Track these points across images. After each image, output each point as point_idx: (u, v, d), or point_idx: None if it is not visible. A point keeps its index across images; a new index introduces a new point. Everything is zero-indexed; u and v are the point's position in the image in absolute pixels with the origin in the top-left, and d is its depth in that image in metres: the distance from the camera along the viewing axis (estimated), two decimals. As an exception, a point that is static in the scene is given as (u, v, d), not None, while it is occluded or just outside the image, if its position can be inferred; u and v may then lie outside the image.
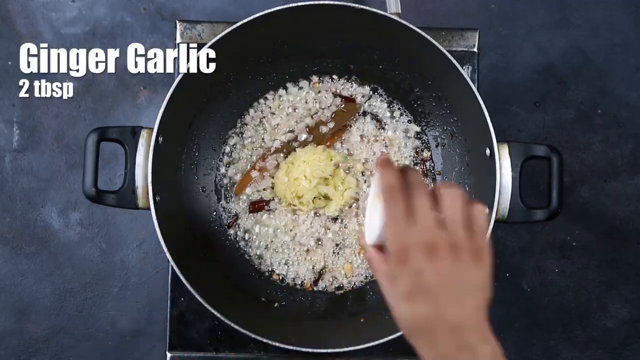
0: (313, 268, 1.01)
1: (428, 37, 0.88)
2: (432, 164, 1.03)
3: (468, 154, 0.99)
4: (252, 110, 1.03)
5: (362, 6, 0.88)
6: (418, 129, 1.03)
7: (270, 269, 1.01)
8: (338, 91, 1.04)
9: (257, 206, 1.01)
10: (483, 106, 0.87)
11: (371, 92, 1.04)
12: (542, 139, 1.26)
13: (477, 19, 1.29)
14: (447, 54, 0.88)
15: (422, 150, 1.03)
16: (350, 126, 1.03)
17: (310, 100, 1.03)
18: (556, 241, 1.25)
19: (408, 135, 1.04)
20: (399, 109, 1.04)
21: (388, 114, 1.04)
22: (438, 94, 1.00)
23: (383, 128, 1.03)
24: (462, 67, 0.89)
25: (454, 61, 0.88)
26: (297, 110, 1.03)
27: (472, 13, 1.29)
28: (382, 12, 0.89)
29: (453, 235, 0.61)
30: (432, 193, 0.63)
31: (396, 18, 0.90)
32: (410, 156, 1.03)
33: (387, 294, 0.64)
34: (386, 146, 1.03)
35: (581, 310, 1.24)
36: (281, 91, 1.04)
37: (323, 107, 1.03)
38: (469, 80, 0.87)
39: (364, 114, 1.04)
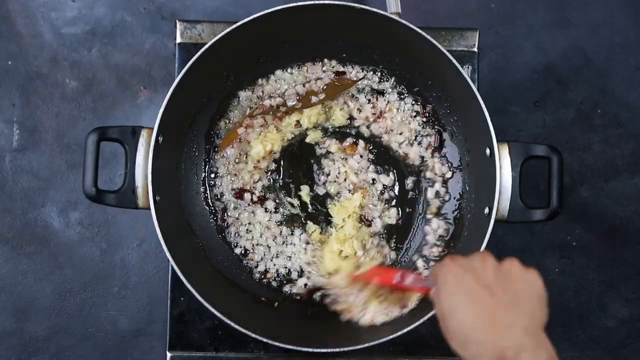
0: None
1: (428, 37, 0.88)
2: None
3: (468, 154, 0.99)
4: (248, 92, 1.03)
5: (362, 6, 0.88)
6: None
7: (267, 270, 1.01)
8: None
9: (240, 193, 1.01)
10: (483, 106, 0.87)
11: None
12: (542, 138, 1.26)
13: (477, 19, 1.29)
14: (447, 53, 0.88)
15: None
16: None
17: (302, 77, 1.03)
18: (556, 241, 1.25)
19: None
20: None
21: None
22: (438, 94, 1.00)
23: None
24: (462, 67, 0.89)
25: (454, 61, 0.88)
26: (292, 75, 1.03)
27: (472, 13, 1.29)
28: (382, 12, 0.89)
29: (507, 272, 0.71)
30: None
31: (396, 18, 0.90)
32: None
33: (443, 303, 0.69)
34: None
35: (581, 310, 1.24)
36: (278, 72, 1.03)
37: (317, 78, 1.02)
38: (469, 80, 0.87)
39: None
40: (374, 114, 1.02)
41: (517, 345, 0.62)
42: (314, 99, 1.00)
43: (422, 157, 1.01)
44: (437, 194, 1.01)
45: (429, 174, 1.01)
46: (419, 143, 1.02)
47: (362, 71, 1.02)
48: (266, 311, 0.98)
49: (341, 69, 1.03)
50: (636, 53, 1.29)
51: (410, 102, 1.02)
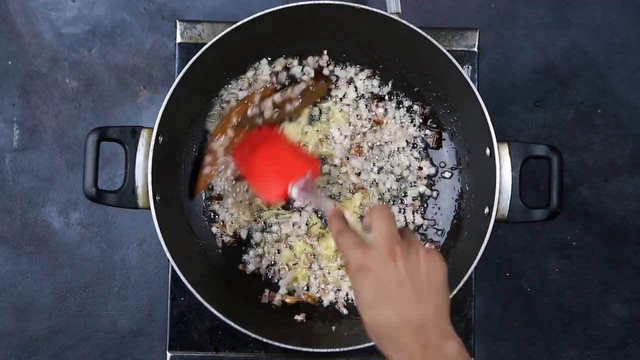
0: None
1: (428, 36, 0.88)
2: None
3: (468, 154, 0.99)
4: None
5: (362, 6, 0.88)
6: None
7: (266, 271, 1.01)
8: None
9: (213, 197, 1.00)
10: (483, 106, 0.87)
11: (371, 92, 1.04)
12: (542, 138, 1.26)
13: (477, 19, 1.29)
14: (447, 53, 0.88)
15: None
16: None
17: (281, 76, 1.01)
18: (556, 241, 1.25)
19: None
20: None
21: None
22: (438, 94, 1.00)
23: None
24: (462, 67, 0.89)
25: (454, 61, 0.88)
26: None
27: (472, 13, 1.29)
28: (382, 12, 0.89)
29: (408, 242, 0.68)
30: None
31: (396, 18, 0.90)
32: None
33: (358, 306, 0.68)
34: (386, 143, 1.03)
35: (581, 309, 1.24)
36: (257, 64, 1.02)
37: (297, 78, 1.01)
38: (469, 80, 0.87)
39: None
40: (373, 120, 1.02)
41: (426, 343, 0.63)
42: (289, 106, 0.99)
43: (419, 159, 1.01)
44: (424, 195, 1.01)
45: (424, 173, 1.01)
46: (414, 146, 1.02)
47: (362, 72, 1.02)
48: (266, 311, 0.98)
49: (327, 70, 1.02)
50: (636, 53, 1.29)
51: (409, 104, 1.02)
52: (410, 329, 0.64)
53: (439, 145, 1.01)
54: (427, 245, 0.68)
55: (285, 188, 0.83)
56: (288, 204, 0.99)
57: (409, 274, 0.65)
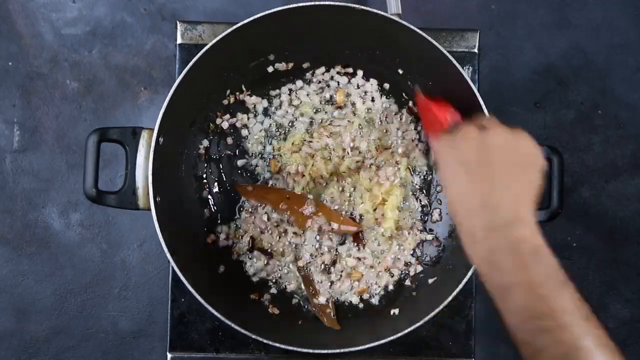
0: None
1: (429, 37, 0.88)
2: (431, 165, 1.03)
3: (468, 155, 0.99)
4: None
5: (362, 7, 0.89)
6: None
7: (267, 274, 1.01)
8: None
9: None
10: (483, 106, 0.87)
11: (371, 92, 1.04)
12: (543, 139, 1.26)
13: (478, 20, 1.29)
14: (448, 54, 0.88)
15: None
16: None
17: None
18: (557, 242, 1.25)
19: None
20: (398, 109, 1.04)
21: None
22: (438, 95, 1.00)
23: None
24: (463, 68, 0.89)
25: (455, 62, 0.88)
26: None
27: (473, 13, 1.29)
28: (382, 13, 0.89)
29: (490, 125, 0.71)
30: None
31: (397, 19, 0.90)
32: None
33: (444, 171, 0.69)
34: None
35: (582, 310, 1.24)
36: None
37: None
38: (469, 80, 0.88)
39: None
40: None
41: (491, 225, 0.62)
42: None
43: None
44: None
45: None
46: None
47: (364, 77, 1.02)
48: (267, 312, 0.98)
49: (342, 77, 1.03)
50: (636, 53, 1.29)
51: (410, 105, 1.02)
52: (469, 212, 0.63)
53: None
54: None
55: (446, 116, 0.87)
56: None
57: (479, 154, 0.65)
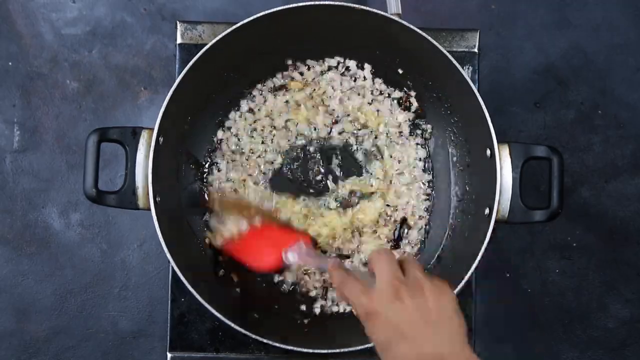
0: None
1: (429, 37, 0.88)
2: (431, 164, 1.03)
3: (469, 155, 0.99)
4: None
5: (362, 7, 0.89)
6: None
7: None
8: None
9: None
10: (483, 107, 0.87)
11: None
12: (543, 139, 1.26)
13: (478, 19, 1.29)
14: (448, 54, 0.88)
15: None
16: None
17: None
18: (557, 242, 1.25)
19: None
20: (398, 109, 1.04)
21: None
22: (438, 95, 1.00)
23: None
24: (463, 68, 0.89)
25: (455, 62, 0.88)
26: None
27: (473, 13, 1.29)
28: (382, 13, 0.89)
29: (413, 279, 0.69)
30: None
31: (397, 19, 0.90)
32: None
33: (376, 350, 0.69)
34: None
35: (582, 310, 1.24)
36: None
37: None
38: (469, 80, 0.88)
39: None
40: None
41: None
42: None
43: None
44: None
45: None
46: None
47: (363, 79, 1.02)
48: (267, 312, 0.98)
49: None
50: (636, 54, 1.29)
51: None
52: None
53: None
54: (431, 275, 0.70)
55: (279, 256, 0.84)
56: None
57: (417, 310, 0.66)
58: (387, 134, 1.02)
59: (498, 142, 0.87)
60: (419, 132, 1.03)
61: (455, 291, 0.87)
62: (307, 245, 0.84)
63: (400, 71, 1.01)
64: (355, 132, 1.02)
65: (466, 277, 0.86)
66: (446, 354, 0.65)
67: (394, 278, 0.68)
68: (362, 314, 0.69)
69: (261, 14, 0.88)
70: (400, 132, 1.03)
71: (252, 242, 0.90)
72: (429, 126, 1.02)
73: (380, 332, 0.67)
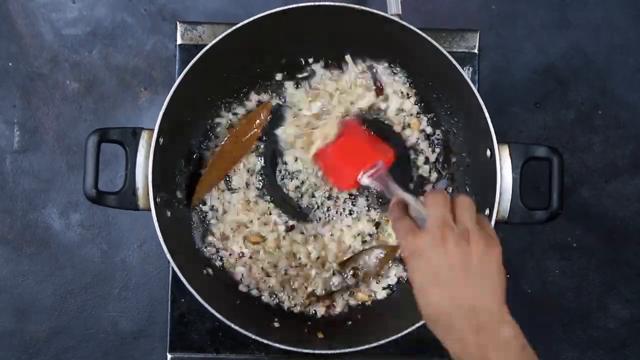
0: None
1: (429, 38, 0.88)
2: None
3: (468, 155, 0.99)
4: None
5: (362, 7, 0.88)
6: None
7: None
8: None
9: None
10: (483, 107, 0.87)
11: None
12: (543, 139, 1.26)
13: (478, 20, 1.29)
14: (448, 55, 0.88)
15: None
16: None
17: None
18: (557, 242, 1.25)
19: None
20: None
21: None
22: (438, 95, 1.00)
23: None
24: (463, 68, 0.89)
25: (455, 62, 0.88)
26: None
27: (473, 14, 1.29)
28: (382, 13, 0.89)
29: (462, 226, 0.66)
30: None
31: (397, 19, 0.90)
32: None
33: (414, 290, 0.68)
34: None
35: (582, 310, 1.24)
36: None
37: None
38: (469, 81, 0.87)
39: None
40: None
41: (478, 326, 0.63)
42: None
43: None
44: None
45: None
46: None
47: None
48: (267, 312, 0.98)
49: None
50: (636, 54, 1.29)
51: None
52: (461, 313, 0.64)
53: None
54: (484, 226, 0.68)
55: (357, 176, 0.82)
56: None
57: (460, 258, 0.65)
58: None
59: (498, 143, 0.87)
60: (419, 132, 1.03)
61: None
62: (383, 170, 0.82)
63: (399, 72, 1.01)
64: None
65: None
66: (479, 308, 0.64)
67: (443, 223, 0.66)
68: (407, 252, 0.68)
69: (261, 14, 0.88)
70: None
71: (336, 157, 0.87)
72: (428, 127, 1.02)
73: (420, 273, 0.66)
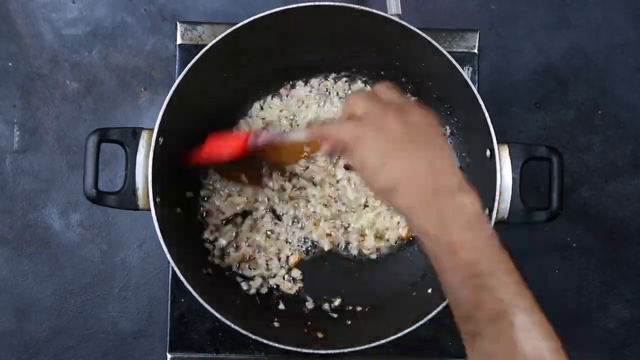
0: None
1: (428, 38, 0.88)
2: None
3: (468, 155, 0.99)
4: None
5: (362, 7, 0.89)
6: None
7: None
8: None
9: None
10: (483, 107, 0.87)
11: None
12: (543, 139, 1.26)
13: (478, 20, 1.29)
14: (448, 55, 0.88)
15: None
16: None
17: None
18: (556, 242, 1.25)
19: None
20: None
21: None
22: (438, 95, 1.00)
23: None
24: (463, 68, 0.89)
25: (455, 62, 0.88)
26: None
27: (473, 14, 1.29)
28: (382, 13, 0.89)
29: (393, 104, 0.69)
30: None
31: (396, 19, 0.90)
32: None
33: (366, 180, 0.68)
34: None
35: (582, 310, 1.24)
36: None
37: None
38: (469, 81, 0.88)
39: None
40: None
41: (435, 188, 0.64)
42: None
43: None
44: None
45: None
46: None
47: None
48: (267, 312, 0.98)
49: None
50: (636, 54, 1.29)
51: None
52: (417, 179, 0.64)
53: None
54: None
55: (244, 141, 0.83)
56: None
57: (403, 129, 0.66)
58: None
59: (498, 143, 0.87)
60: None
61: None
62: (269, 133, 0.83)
63: (399, 72, 1.01)
64: None
65: (466, 278, 0.86)
66: (436, 170, 0.64)
67: (374, 106, 0.67)
68: (350, 144, 0.67)
69: (261, 14, 0.88)
70: None
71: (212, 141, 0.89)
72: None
73: (369, 157, 0.66)
